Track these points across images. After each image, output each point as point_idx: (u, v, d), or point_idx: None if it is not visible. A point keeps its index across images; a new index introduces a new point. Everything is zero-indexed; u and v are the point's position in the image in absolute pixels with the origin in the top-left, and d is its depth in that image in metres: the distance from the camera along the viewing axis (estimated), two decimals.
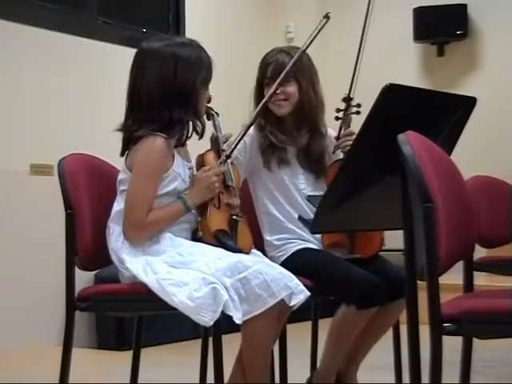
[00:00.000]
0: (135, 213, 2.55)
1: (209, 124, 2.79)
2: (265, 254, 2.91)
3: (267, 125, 3.01)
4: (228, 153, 2.74)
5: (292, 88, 2.98)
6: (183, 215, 2.62)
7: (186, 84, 2.61)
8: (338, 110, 3.04)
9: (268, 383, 2.65)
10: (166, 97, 2.60)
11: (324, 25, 2.78)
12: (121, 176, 2.65)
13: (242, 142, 2.91)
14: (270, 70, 2.99)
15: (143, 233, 2.56)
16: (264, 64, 3.02)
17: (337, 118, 3.04)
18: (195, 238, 2.65)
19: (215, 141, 2.79)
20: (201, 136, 2.70)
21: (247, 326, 2.51)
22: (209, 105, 2.77)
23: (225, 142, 2.78)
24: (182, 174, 2.64)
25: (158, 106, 2.60)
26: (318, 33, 2.84)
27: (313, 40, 2.88)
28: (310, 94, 3.01)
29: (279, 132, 3.01)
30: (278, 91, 2.94)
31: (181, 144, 2.64)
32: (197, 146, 2.78)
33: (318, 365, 3.02)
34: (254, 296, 2.45)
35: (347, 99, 3.02)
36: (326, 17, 2.82)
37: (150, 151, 2.56)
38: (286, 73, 2.89)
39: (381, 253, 3.08)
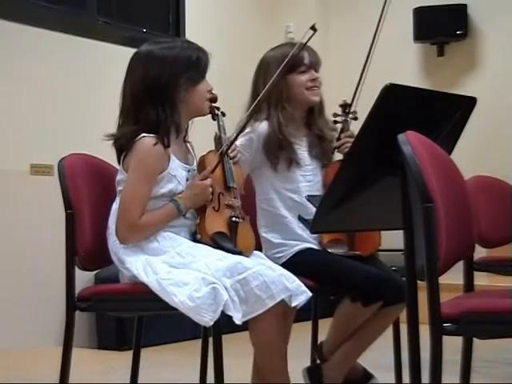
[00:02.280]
0: (129, 213, 2.55)
1: (213, 124, 2.80)
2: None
3: (289, 123, 3.01)
4: (225, 148, 2.73)
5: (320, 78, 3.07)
6: (176, 218, 2.61)
7: (157, 84, 2.60)
8: (336, 115, 3.08)
9: (288, 382, 2.64)
10: (141, 99, 2.60)
11: (311, 37, 2.79)
12: (119, 176, 2.65)
13: (247, 137, 2.94)
14: (308, 58, 3.02)
15: (136, 234, 2.56)
16: (296, 53, 2.99)
17: (335, 122, 3.09)
18: (195, 240, 2.65)
19: (218, 141, 2.79)
20: (183, 135, 2.70)
21: (253, 329, 2.52)
22: (215, 104, 2.77)
23: (228, 148, 2.77)
24: (179, 176, 2.64)
25: (134, 108, 2.61)
26: (305, 44, 2.85)
27: (300, 50, 2.90)
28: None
29: (293, 125, 3.02)
30: (318, 76, 3.03)
31: (168, 144, 2.61)
32: (201, 145, 2.79)
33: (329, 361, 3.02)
34: (253, 297, 2.45)
35: (345, 105, 3.06)
36: (313, 28, 2.83)
37: (142, 152, 2.55)
38: (319, 64, 3.06)
39: (381, 253, 3.08)
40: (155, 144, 2.55)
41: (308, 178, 3.03)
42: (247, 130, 2.95)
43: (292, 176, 3.01)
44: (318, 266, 2.87)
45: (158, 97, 2.60)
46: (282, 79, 3.00)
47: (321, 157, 3.06)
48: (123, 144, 2.61)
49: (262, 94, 2.81)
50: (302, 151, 3.04)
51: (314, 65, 3.04)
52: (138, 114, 2.61)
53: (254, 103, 2.82)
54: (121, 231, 2.56)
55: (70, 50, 5.01)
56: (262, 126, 2.99)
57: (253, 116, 2.87)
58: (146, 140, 2.56)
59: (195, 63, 2.66)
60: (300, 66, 3.01)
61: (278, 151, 2.98)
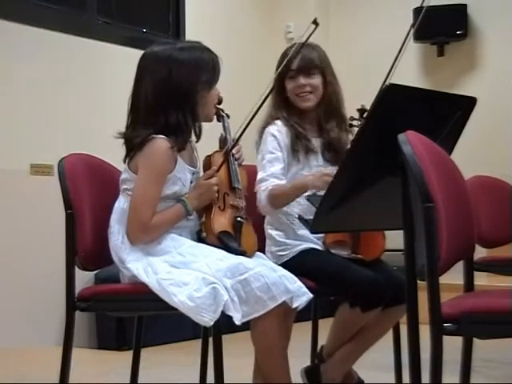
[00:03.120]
0: (140, 214, 2.55)
1: (218, 125, 2.81)
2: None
3: (291, 117, 3.01)
4: (230, 146, 2.73)
5: (317, 81, 3.02)
6: (184, 219, 2.62)
7: (181, 87, 2.59)
8: (353, 119, 3.07)
9: (290, 383, 2.64)
10: (161, 100, 2.59)
11: (313, 31, 2.78)
12: (123, 175, 2.65)
13: (272, 139, 2.95)
14: (296, 63, 2.99)
15: (147, 235, 2.56)
16: (288, 57, 2.98)
17: (351, 126, 3.07)
18: (199, 238, 2.65)
19: (224, 142, 2.79)
20: (198, 139, 2.70)
21: (254, 329, 2.53)
22: (220, 106, 2.78)
23: (233, 146, 2.77)
24: (183, 178, 2.64)
25: (153, 109, 2.60)
26: (307, 40, 2.84)
27: (302, 46, 2.89)
28: (335, 85, 3.06)
29: (304, 123, 3.02)
30: (304, 83, 2.98)
31: (183, 148, 2.63)
32: (205, 146, 2.79)
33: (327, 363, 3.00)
34: (254, 298, 2.46)
35: (362, 110, 3.06)
36: (315, 23, 2.82)
37: (154, 153, 2.55)
38: (312, 66, 2.99)
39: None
40: (165, 144, 2.55)
41: None
42: (272, 131, 2.96)
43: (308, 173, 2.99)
44: (318, 268, 2.86)
45: (180, 100, 2.59)
46: (280, 83, 3.00)
47: (333, 161, 3.02)
48: (136, 145, 2.59)
49: (260, 102, 2.79)
50: (316, 151, 3.03)
51: (304, 69, 2.99)
52: (158, 116, 2.59)
53: (256, 108, 2.80)
54: (132, 232, 2.56)
55: (70, 50, 5.01)
56: (278, 124, 2.99)
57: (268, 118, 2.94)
58: (159, 141, 2.55)
59: (213, 68, 2.67)
60: (288, 72, 3.00)
61: (295, 140, 2.98)
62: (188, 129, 2.63)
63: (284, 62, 2.92)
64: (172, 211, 2.60)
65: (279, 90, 3.02)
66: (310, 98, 3.01)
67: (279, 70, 2.97)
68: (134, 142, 2.59)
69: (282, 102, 3.04)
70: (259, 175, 2.95)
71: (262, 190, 2.90)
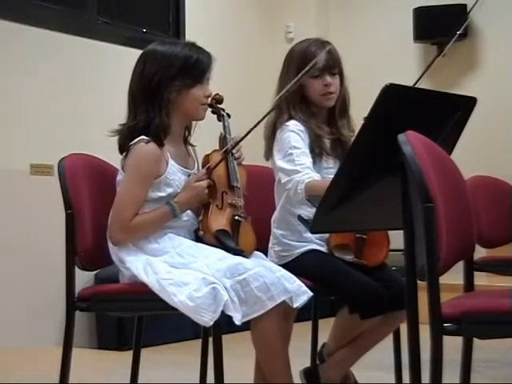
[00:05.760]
0: (121, 215, 2.55)
1: (218, 125, 2.81)
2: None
3: (307, 118, 2.95)
4: (230, 147, 2.73)
5: (338, 81, 2.99)
6: (169, 220, 2.61)
7: (151, 80, 2.60)
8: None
9: (291, 382, 2.63)
10: (136, 94, 2.62)
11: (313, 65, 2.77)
12: (118, 177, 2.66)
13: (297, 137, 2.87)
14: (322, 61, 2.91)
15: (128, 234, 2.57)
16: (312, 54, 2.92)
17: None
18: (197, 237, 2.65)
19: (223, 141, 2.79)
20: (188, 134, 2.69)
21: (254, 329, 2.52)
22: (220, 106, 2.78)
23: (234, 147, 2.76)
24: (177, 180, 2.64)
25: (133, 105, 2.63)
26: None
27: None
28: (346, 86, 3.03)
29: (318, 123, 2.97)
30: (331, 82, 2.94)
31: (161, 144, 2.61)
32: (205, 146, 2.79)
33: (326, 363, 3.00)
34: (253, 298, 2.46)
35: None
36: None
37: (140, 155, 2.56)
38: (337, 65, 2.96)
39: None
40: (149, 146, 2.55)
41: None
42: (293, 129, 2.89)
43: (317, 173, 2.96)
44: (319, 271, 2.84)
45: (150, 95, 2.60)
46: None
47: (341, 159, 2.99)
48: (122, 141, 2.61)
49: (275, 103, 2.76)
50: (328, 153, 2.99)
51: (329, 68, 2.94)
52: (136, 111, 2.62)
53: (268, 111, 2.76)
54: (112, 232, 2.57)
55: (70, 50, 5.01)
56: (297, 124, 2.91)
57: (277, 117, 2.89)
58: (143, 144, 2.56)
59: (192, 66, 2.64)
60: (313, 71, 2.91)
61: (313, 142, 2.92)
62: (157, 124, 2.60)
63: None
64: (156, 212, 2.60)
65: (295, 91, 2.92)
66: (333, 97, 2.97)
67: (304, 68, 2.92)
68: (120, 139, 2.62)
69: (297, 100, 2.96)
70: (287, 166, 2.83)
71: (297, 180, 2.78)
